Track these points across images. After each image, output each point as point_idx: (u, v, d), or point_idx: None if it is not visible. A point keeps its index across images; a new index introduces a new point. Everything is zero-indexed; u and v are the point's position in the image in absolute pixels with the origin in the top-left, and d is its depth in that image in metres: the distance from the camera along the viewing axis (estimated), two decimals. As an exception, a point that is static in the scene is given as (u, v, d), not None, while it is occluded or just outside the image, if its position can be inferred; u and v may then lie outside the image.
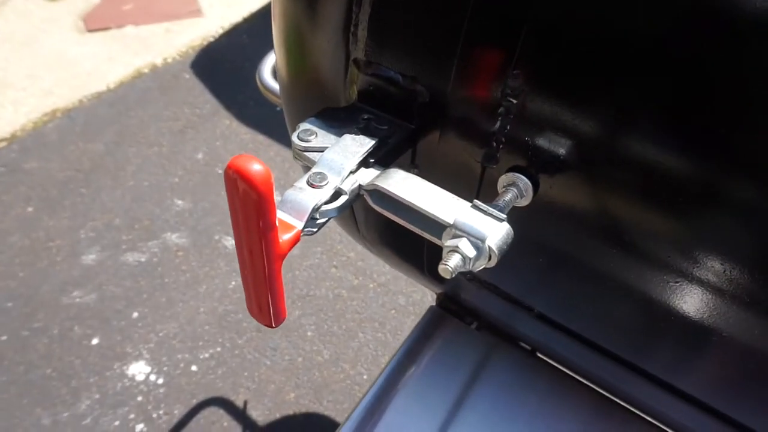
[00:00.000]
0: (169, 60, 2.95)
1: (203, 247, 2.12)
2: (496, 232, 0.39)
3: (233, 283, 2.01)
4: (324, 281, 2.04)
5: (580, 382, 0.79)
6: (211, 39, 3.10)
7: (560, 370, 0.80)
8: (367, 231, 0.70)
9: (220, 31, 3.15)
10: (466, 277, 0.67)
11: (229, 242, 2.13)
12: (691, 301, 0.48)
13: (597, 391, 0.78)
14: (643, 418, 0.76)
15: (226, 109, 2.66)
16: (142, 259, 2.08)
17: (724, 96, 0.37)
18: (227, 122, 2.60)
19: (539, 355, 0.81)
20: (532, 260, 0.56)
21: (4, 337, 1.85)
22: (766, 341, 0.47)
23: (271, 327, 0.41)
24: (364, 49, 0.49)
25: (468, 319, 0.82)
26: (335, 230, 2.11)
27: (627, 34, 0.38)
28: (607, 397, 0.77)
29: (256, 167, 0.32)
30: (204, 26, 3.19)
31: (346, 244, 2.12)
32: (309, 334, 1.90)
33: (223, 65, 2.92)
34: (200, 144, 2.50)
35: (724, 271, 0.43)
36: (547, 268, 0.56)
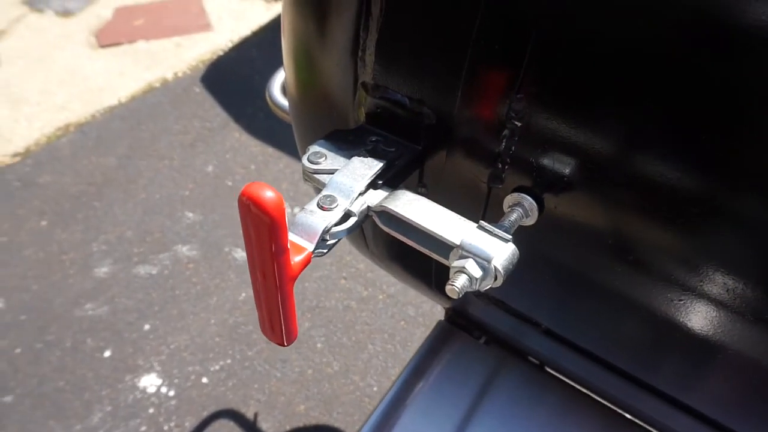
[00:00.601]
0: (180, 74, 2.99)
1: (213, 259, 2.14)
2: (501, 252, 0.40)
3: (243, 294, 2.03)
4: (333, 293, 2.05)
5: (589, 396, 0.79)
6: (221, 53, 3.14)
7: (569, 384, 0.80)
8: (375, 247, 0.71)
9: (230, 45, 3.19)
10: (473, 294, 0.68)
11: (239, 254, 2.15)
12: (695, 317, 0.48)
13: (606, 405, 0.78)
14: None
15: (235, 122, 2.69)
16: (154, 272, 2.10)
17: (728, 114, 0.37)
18: (237, 135, 2.63)
19: (548, 369, 0.81)
20: (539, 277, 0.57)
21: (18, 350, 1.87)
22: None
23: (283, 345, 0.42)
24: (371, 73, 0.50)
25: (476, 333, 0.83)
26: (344, 242, 2.12)
27: (627, 59, 0.39)
28: (616, 412, 0.77)
29: (268, 194, 0.33)
30: (213, 40, 3.23)
31: (355, 256, 2.13)
32: (319, 345, 1.90)
33: (233, 79, 2.95)
34: (210, 157, 2.53)
35: (728, 287, 0.44)
36: (553, 284, 0.57)
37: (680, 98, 0.38)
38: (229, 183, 2.41)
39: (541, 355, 0.79)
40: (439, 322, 0.84)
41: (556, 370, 0.80)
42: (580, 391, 0.79)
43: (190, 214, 2.29)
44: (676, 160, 0.40)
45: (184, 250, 2.17)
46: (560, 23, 0.40)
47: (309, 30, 0.54)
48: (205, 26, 3.34)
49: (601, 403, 0.78)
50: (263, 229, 0.35)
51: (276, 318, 0.40)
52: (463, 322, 0.83)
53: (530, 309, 0.64)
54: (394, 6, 0.46)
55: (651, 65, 0.38)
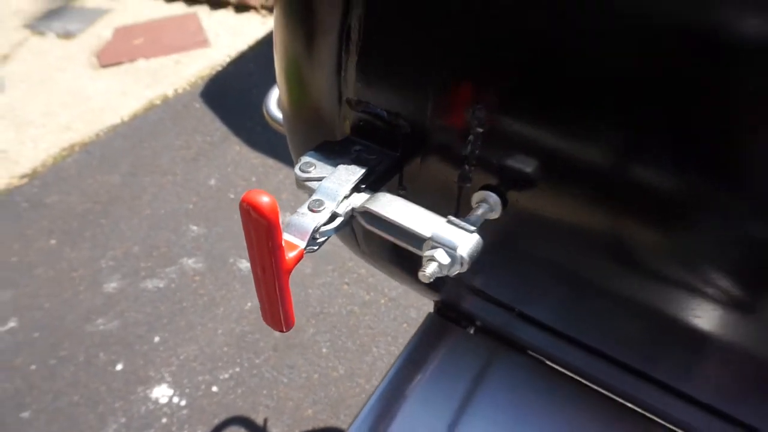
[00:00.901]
0: (180, 90, 3.06)
1: (219, 271, 2.19)
2: (466, 242, 0.46)
3: (249, 304, 2.08)
4: (336, 298, 2.10)
5: (578, 381, 0.82)
6: (219, 68, 3.21)
7: (559, 370, 0.84)
8: (366, 246, 0.77)
9: (228, 60, 3.26)
10: (456, 284, 0.74)
11: (244, 265, 2.20)
12: (664, 299, 0.52)
13: (594, 389, 0.81)
14: (651, 419, 0.77)
15: (235, 135, 2.75)
16: (161, 285, 2.16)
17: (673, 109, 0.41)
18: (237, 148, 2.69)
19: (532, 354, 0.86)
20: (510, 265, 0.62)
21: (33, 367, 1.92)
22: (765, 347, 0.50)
23: (283, 332, 0.48)
24: (353, 90, 0.56)
25: (464, 323, 0.88)
26: (345, 248, 2.17)
27: (580, 73, 0.44)
28: (605, 396, 0.80)
29: (264, 200, 0.39)
30: (211, 56, 3.30)
31: (356, 261, 2.18)
32: (324, 350, 1.95)
33: (232, 93, 3.02)
34: (212, 170, 2.59)
35: (680, 274, 0.49)
36: (523, 271, 0.63)
37: (622, 104, 0.44)
38: (232, 195, 2.47)
39: (523, 340, 0.84)
40: (429, 315, 0.90)
41: (541, 356, 0.85)
42: (570, 376, 0.83)
43: (195, 228, 2.35)
44: (611, 154, 0.46)
45: (189, 262, 2.23)
46: (518, 49, 0.45)
47: (297, 51, 0.61)
48: (203, 43, 3.41)
49: (590, 387, 0.81)
50: (261, 230, 0.41)
51: (275, 307, 0.46)
52: (452, 314, 0.88)
53: (510, 298, 0.70)
54: (370, 32, 0.52)
55: (598, 82, 0.43)
